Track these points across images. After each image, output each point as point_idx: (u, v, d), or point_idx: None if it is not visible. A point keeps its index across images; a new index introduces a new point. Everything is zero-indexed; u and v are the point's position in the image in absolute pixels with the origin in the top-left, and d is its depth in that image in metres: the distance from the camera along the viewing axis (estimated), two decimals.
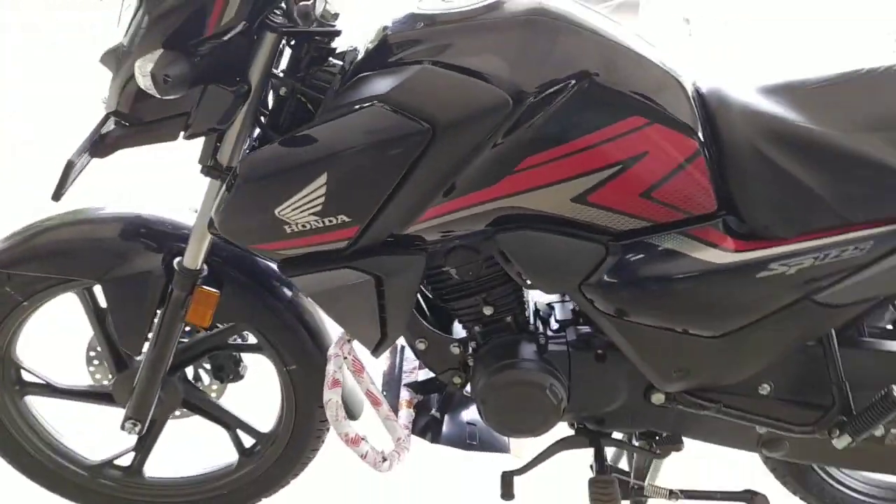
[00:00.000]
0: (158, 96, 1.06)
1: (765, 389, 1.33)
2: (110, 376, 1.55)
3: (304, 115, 1.21)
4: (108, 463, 1.66)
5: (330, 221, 1.16)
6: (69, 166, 1.18)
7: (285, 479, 1.68)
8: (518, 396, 1.32)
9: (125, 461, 1.67)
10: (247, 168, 1.17)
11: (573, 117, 1.12)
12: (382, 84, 1.11)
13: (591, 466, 1.46)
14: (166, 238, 1.43)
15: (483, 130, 1.11)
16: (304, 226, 1.16)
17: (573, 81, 1.11)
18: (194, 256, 1.36)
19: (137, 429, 1.49)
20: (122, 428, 1.50)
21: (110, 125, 1.18)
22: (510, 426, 1.38)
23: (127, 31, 1.12)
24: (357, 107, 1.12)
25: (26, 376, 1.60)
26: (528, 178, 1.14)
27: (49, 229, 1.45)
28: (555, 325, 1.40)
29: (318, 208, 1.14)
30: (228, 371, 1.58)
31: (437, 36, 1.13)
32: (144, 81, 1.05)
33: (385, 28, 1.17)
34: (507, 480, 1.45)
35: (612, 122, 1.12)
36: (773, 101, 1.19)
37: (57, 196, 1.20)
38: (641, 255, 1.20)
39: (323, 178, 1.12)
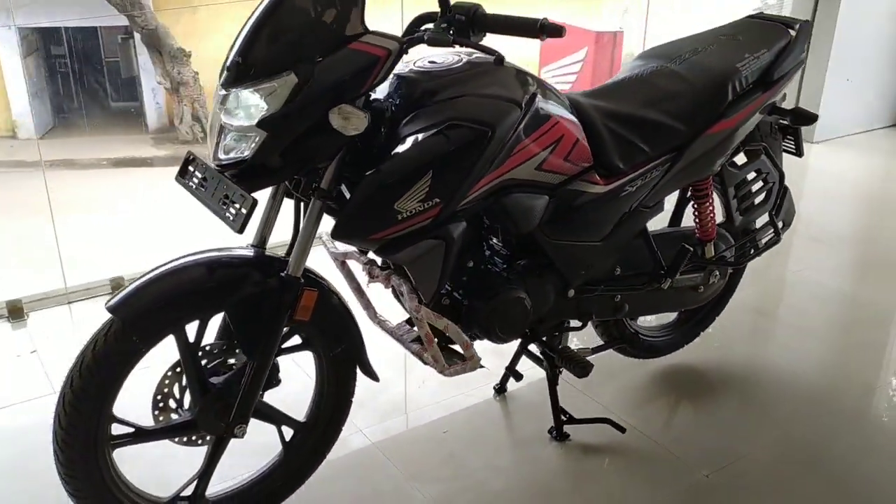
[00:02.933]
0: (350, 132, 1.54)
1: (618, 271, 2.23)
2: (183, 409, 1.77)
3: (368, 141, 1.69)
4: (177, 497, 1.83)
5: (427, 205, 1.69)
6: (255, 204, 1.54)
7: (319, 463, 1.99)
8: (508, 309, 2.00)
9: (188, 491, 1.84)
10: (375, 178, 1.66)
11: (534, 119, 1.87)
12: (448, 111, 1.71)
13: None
14: (262, 259, 1.76)
15: (510, 128, 1.75)
16: (411, 211, 1.68)
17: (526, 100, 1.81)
18: (298, 266, 1.73)
19: (245, 428, 1.76)
20: (226, 435, 1.75)
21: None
22: (503, 333, 2.03)
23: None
24: (439, 125, 1.67)
25: (116, 428, 1.71)
26: (517, 158, 1.78)
27: (168, 275, 1.66)
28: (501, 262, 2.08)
29: (423, 195, 1.68)
30: (271, 378, 1.89)
31: (461, 80, 1.77)
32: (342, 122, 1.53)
33: (417, 82, 1.72)
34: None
35: (547, 120, 1.90)
36: (603, 98, 2.10)
37: (242, 229, 1.55)
38: (563, 198, 1.97)
39: (429, 174, 1.68)
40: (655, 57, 2.22)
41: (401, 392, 2.50)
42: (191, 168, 1.73)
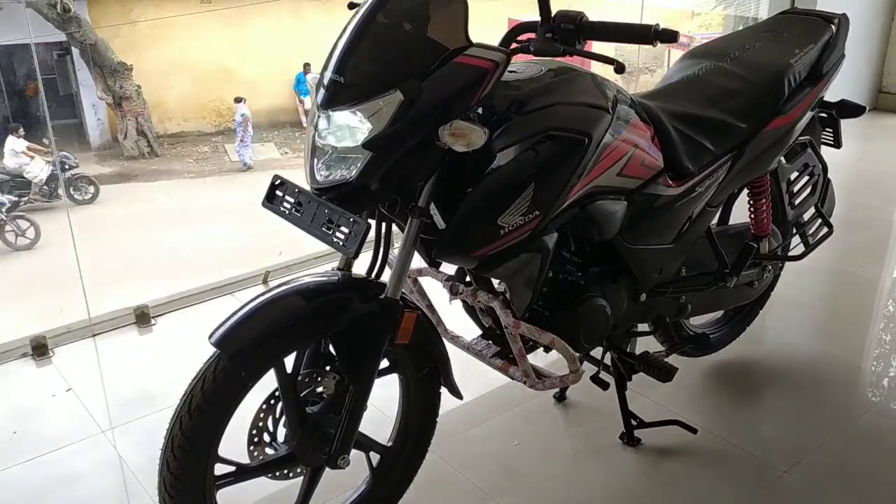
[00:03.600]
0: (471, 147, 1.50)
1: (684, 272, 2.24)
2: (278, 443, 1.70)
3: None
4: None
5: (528, 218, 1.66)
6: (368, 228, 1.49)
7: (407, 487, 1.94)
8: (592, 317, 1.97)
9: None
10: (478, 194, 1.62)
11: (617, 123, 1.81)
12: (543, 121, 1.68)
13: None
14: (357, 284, 1.70)
15: (602, 134, 1.72)
16: (513, 225, 1.65)
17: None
18: (396, 288, 1.68)
19: (348, 458, 1.69)
20: (332, 467, 1.67)
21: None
22: (587, 341, 2.01)
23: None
24: (537, 136, 1.63)
25: (219, 468, 1.63)
26: (604, 164, 1.75)
27: (268, 305, 1.59)
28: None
29: (525, 208, 1.64)
30: None
31: (549, 90, 1.73)
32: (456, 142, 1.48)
33: (504, 93, 1.64)
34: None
35: (627, 124, 1.88)
36: (664, 99, 2.10)
37: (357, 254, 1.49)
38: (639, 202, 1.96)
39: (531, 186, 1.65)
40: (704, 56, 2.23)
41: (459, 405, 2.45)
42: (279, 193, 1.66)
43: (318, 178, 1.59)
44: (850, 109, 2.34)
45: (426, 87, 1.50)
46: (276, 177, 1.70)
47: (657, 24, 1.50)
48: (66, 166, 11.43)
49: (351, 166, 1.55)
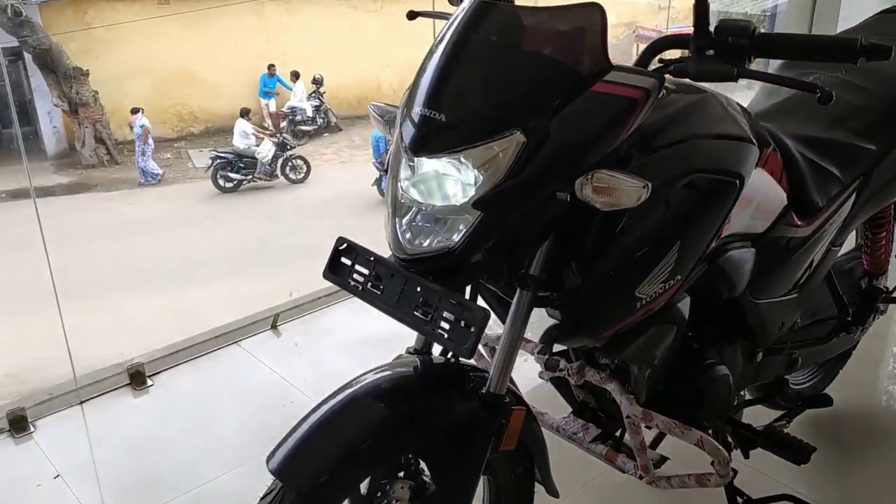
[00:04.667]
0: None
1: (798, 322, 1.89)
2: None
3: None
4: None
5: (669, 284, 1.32)
6: (487, 317, 1.13)
7: None
8: (715, 389, 1.62)
9: None
10: (613, 260, 1.26)
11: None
12: (683, 161, 1.31)
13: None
14: (446, 375, 1.32)
15: (750, 173, 1.36)
16: (652, 295, 1.30)
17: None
18: (503, 380, 1.30)
19: None
20: None
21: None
22: (709, 419, 1.66)
23: None
24: (678, 181, 1.26)
25: None
26: (740, 206, 1.39)
27: (337, 418, 1.22)
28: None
29: (667, 273, 1.30)
30: None
31: (679, 119, 1.36)
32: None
33: None
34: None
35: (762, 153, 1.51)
36: (780, 118, 1.74)
37: (472, 353, 1.14)
38: (767, 248, 1.61)
39: (677, 245, 1.29)
40: (804, 65, 1.88)
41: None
42: (346, 260, 1.29)
43: (405, 244, 1.21)
44: None
45: (555, 126, 1.13)
46: (340, 239, 1.31)
47: (861, 38, 1.14)
48: (288, 147, 12.36)
49: (452, 230, 1.17)
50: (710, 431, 1.62)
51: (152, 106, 13.94)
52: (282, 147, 12.24)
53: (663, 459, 1.66)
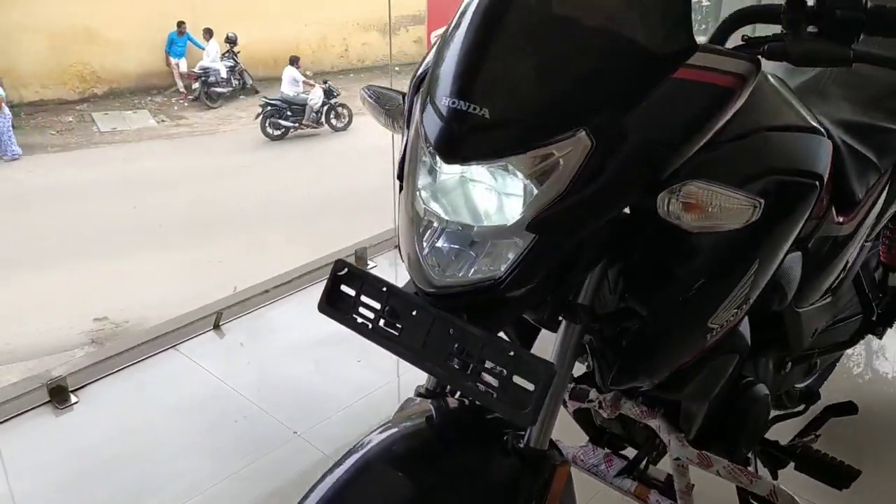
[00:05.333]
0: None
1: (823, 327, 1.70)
2: None
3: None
4: None
5: (742, 310, 1.10)
6: (553, 375, 0.87)
7: None
8: (754, 410, 1.42)
9: None
10: (685, 287, 1.02)
11: None
12: (755, 161, 1.08)
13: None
14: (484, 427, 1.07)
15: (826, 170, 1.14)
16: (722, 325, 1.08)
17: None
18: (545, 432, 1.06)
19: None
20: None
21: None
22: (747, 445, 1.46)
23: None
24: (754, 185, 1.01)
25: None
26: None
27: (357, 487, 0.97)
28: None
29: (743, 297, 1.08)
30: None
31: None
32: None
33: None
34: None
35: None
36: (815, 99, 1.54)
37: (535, 419, 0.88)
38: (812, 250, 1.42)
39: (755, 265, 1.07)
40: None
41: None
42: (349, 290, 1.02)
43: (430, 275, 0.95)
44: None
45: (630, 124, 0.88)
46: (338, 263, 1.04)
47: None
48: (333, 94, 12.20)
49: (495, 257, 0.92)
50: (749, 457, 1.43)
51: (50, 66, 12.99)
52: (328, 94, 12.14)
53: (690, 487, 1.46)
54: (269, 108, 11.81)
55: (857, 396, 2.09)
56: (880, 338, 1.74)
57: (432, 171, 0.95)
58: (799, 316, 1.44)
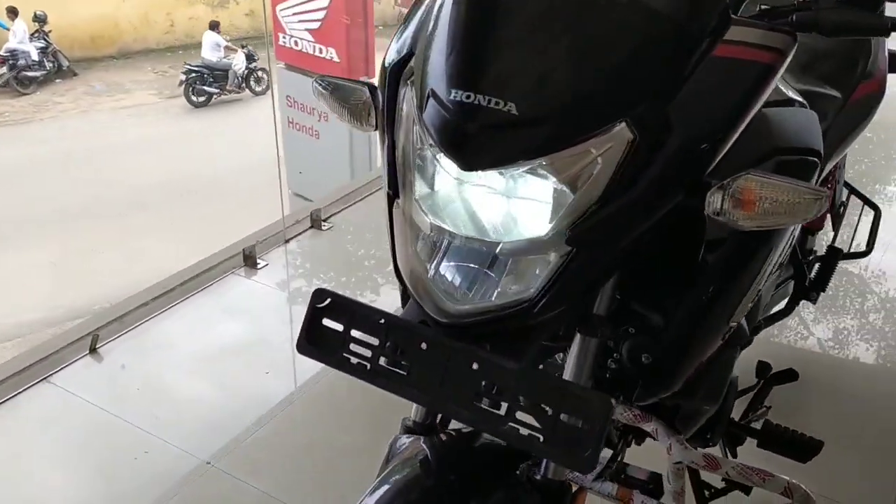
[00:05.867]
0: None
1: None
2: None
3: None
4: None
5: (754, 303, 1.05)
6: (611, 412, 0.75)
7: None
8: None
9: None
10: (705, 289, 0.93)
11: None
12: (759, 136, 0.99)
13: None
14: (499, 455, 0.93)
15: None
16: (738, 321, 1.02)
17: None
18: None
19: None
20: None
21: None
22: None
23: None
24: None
25: None
26: None
27: None
28: None
29: (756, 292, 1.02)
30: None
31: None
32: None
33: None
34: None
35: None
36: None
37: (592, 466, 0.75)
38: None
39: (770, 255, 1.00)
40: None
41: None
42: (333, 324, 0.86)
43: (440, 302, 0.80)
44: None
45: (675, 112, 0.76)
46: (317, 293, 0.87)
47: None
48: (254, 58, 11.97)
49: (520, 276, 0.79)
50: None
51: None
52: (248, 59, 11.99)
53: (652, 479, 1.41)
54: (192, 74, 11.50)
55: (792, 363, 2.14)
56: (814, 302, 1.75)
57: (439, 179, 0.80)
58: (759, 292, 1.41)
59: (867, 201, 2.03)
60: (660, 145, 0.75)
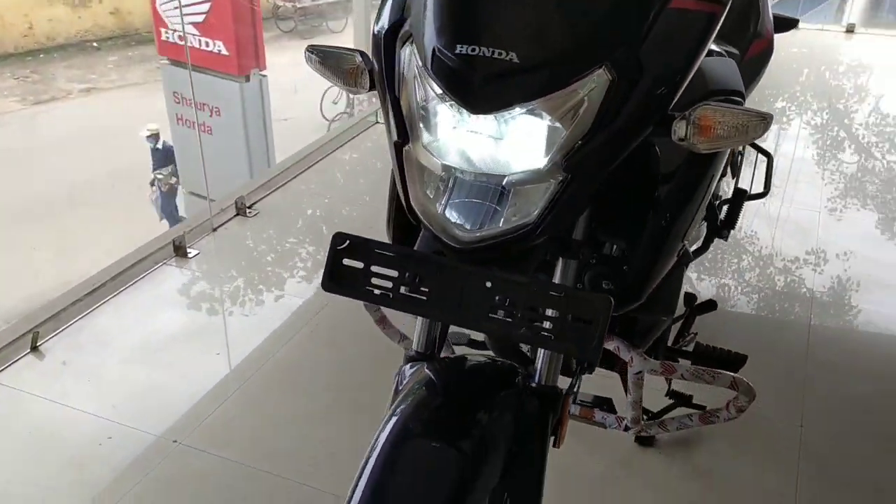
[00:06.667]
0: None
1: None
2: None
3: None
4: None
5: (700, 220, 1.23)
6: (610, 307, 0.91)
7: None
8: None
9: None
10: (664, 210, 1.10)
11: None
12: (699, 82, 1.14)
13: None
14: (499, 371, 1.06)
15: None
16: (689, 238, 1.19)
17: None
18: (554, 369, 1.08)
19: None
20: None
21: None
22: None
23: None
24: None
25: None
26: None
27: (408, 459, 0.93)
28: None
29: (703, 211, 1.20)
30: None
31: None
32: None
33: None
34: None
35: None
36: None
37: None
38: None
39: (711, 179, 1.18)
40: None
41: None
42: (354, 263, 0.97)
43: (453, 230, 0.93)
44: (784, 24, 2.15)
45: (645, 56, 0.92)
46: (337, 236, 0.98)
47: None
48: None
49: (521, 206, 0.93)
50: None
51: None
52: None
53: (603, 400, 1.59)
54: None
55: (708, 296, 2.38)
56: (726, 240, 1.97)
57: (446, 125, 0.92)
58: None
59: (760, 149, 2.29)
60: (634, 84, 0.91)
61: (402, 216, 1.08)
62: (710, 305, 1.97)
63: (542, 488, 1.06)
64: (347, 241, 0.97)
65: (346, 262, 0.97)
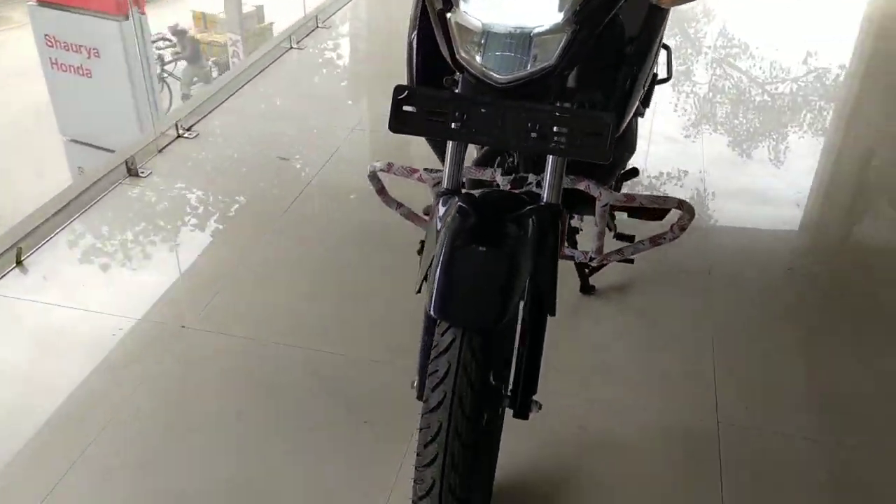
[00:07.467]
0: None
1: None
2: None
3: None
4: None
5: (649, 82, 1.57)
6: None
7: None
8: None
9: None
10: (630, 65, 1.44)
11: None
12: None
13: None
14: (514, 197, 1.39)
15: None
16: (642, 96, 1.54)
17: None
18: (556, 190, 1.39)
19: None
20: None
21: None
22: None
23: None
24: None
25: None
26: None
27: (473, 260, 1.24)
28: None
29: (652, 71, 1.55)
30: None
31: None
32: None
33: None
34: None
35: None
36: None
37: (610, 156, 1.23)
38: None
39: (659, 42, 1.53)
40: None
41: None
42: (412, 108, 1.26)
43: (491, 73, 1.23)
44: None
45: None
46: (398, 88, 1.26)
47: None
48: None
49: (545, 50, 1.24)
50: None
51: None
52: None
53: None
54: None
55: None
56: (643, 117, 2.35)
57: None
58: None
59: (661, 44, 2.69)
60: None
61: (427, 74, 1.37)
62: (634, 172, 2.37)
63: (556, 275, 1.38)
64: (405, 92, 1.25)
65: (405, 108, 1.25)
